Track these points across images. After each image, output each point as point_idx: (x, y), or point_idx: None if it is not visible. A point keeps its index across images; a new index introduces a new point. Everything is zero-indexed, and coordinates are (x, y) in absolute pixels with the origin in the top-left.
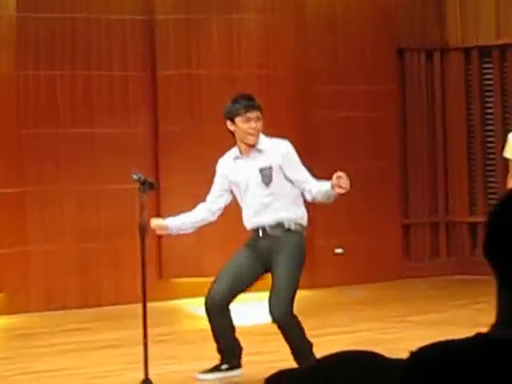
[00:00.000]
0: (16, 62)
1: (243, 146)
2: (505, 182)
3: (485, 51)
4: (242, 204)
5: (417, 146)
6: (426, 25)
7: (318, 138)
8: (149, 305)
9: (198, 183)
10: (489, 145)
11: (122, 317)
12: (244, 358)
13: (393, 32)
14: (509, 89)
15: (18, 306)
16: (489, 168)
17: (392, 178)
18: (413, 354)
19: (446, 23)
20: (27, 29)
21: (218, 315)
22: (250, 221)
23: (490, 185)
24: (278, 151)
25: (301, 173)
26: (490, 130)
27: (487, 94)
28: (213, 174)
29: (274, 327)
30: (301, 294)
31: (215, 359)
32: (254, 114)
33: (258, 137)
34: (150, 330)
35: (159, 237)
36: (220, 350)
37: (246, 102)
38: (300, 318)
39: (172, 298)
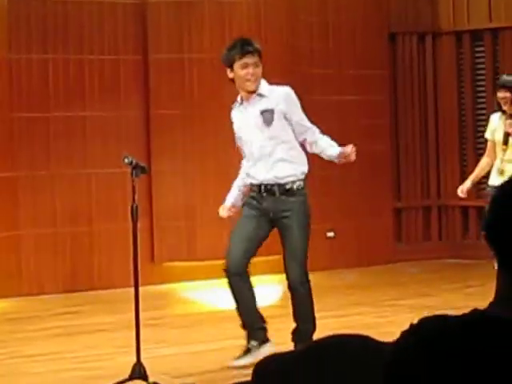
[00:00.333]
0: (8, 46)
1: (244, 93)
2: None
3: (477, 35)
4: (245, 155)
5: (409, 129)
6: (417, 8)
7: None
8: (141, 289)
9: (190, 166)
10: (480, 128)
11: (113, 301)
12: (235, 342)
13: (384, 15)
14: (501, 72)
15: (9, 290)
16: (480, 151)
17: (384, 161)
18: (412, 326)
19: (437, 7)
20: (19, 12)
21: (239, 284)
22: (252, 172)
23: None
24: (280, 95)
25: (302, 119)
26: (482, 114)
27: (479, 77)
28: (203, 157)
29: (270, 311)
30: None
31: (207, 343)
32: (251, 60)
33: (258, 82)
34: (141, 314)
35: (151, 221)
36: (244, 325)
37: (243, 47)
38: (289, 303)
39: (164, 282)
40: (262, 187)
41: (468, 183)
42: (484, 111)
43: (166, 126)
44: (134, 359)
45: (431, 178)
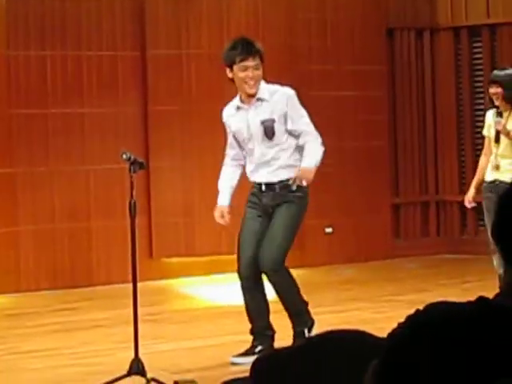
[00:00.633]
0: (6, 43)
1: (243, 95)
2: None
3: (474, 31)
4: (245, 154)
5: (407, 125)
6: (415, 4)
7: None
8: (139, 284)
9: (188, 162)
10: (478, 124)
11: (112, 297)
12: (234, 338)
13: (382, 11)
14: (501, 68)
15: (7, 286)
16: (479, 147)
17: (382, 157)
18: (419, 311)
19: (435, 2)
20: (17, 9)
21: (252, 288)
22: (253, 175)
23: None
24: (281, 99)
25: (298, 124)
26: (480, 110)
27: (477, 73)
28: (202, 153)
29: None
30: None
31: (205, 338)
32: (252, 62)
33: (257, 85)
34: (140, 310)
35: (149, 216)
36: (253, 331)
37: (243, 49)
38: None
39: (162, 278)
40: (263, 186)
41: (472, 191)
42: (482, 107)
43: (164, 122)
44: (133, 355)
45: (429, 173)
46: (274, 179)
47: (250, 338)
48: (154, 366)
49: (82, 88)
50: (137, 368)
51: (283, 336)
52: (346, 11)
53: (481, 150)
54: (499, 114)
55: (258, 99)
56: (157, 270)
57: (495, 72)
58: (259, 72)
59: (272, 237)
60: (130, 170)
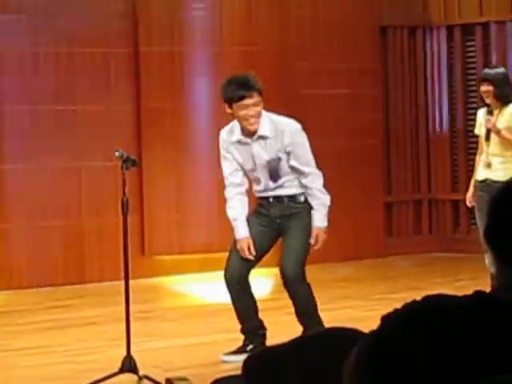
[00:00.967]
0: None
1: (246, 130)
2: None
3: (468, 29)
4: (249, 176)
5: (399, 123)
6: (408, 2)
7: (299, 116)
8: (131, 282)
9: (180, 160)
10: (471, 122)
11: (104, 294)
12: (226, 336)
13: (375, 9)
14: (492, 66)
15: None
16: (471, 146)
17: (374, 155)
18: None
19: (428, 1)
20: (10, 5)
21: (239, 292)
22: (260, 193)
23: (472, 162)
24: (285, 138)
25: (302, 164)
26: (473, 108)
27: (470, 71)
28: (194, 150)
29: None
30: None
31: (198, 336)
32: (251, 101)
33: (258, 121)
34: (132, 307)
35: (142, 214)
36: (244, 331)
37: (241, 88)
38: (281, 296)
39: (155, 275)
40: (271, 198)
41: (471, 190)
42: (475, 105)
43: (157, 120)
44: (125, 352)
45: (422, 171)
46: (283, 193)
47: (243, 336)
48: (146, 363)
49: (75, 85)
50: (129, 365)
51: (274, 334)
52: (339, 9)
53: (473, 148)
54: (490, 113)
55: (260, 137)
56: (149, 267)
57: (486, 70)
58: (259, 108)
59: (291, 251)
60: (122, 167)
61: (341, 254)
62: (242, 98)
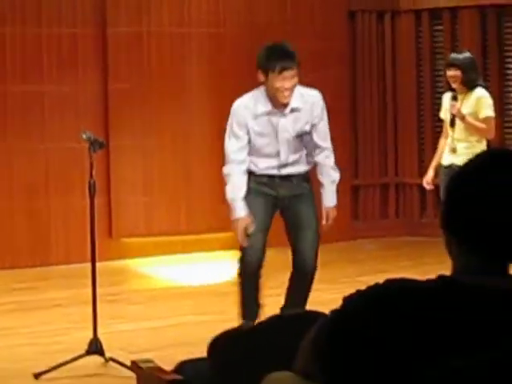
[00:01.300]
0: None
1: (276, 101)
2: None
3: (436, 13)
4: (255, 148)
5: (367, 107)
6: None
7: None
8: (98, 264)
9: (148, 141)
10: (438, 107)
11: (70, 276)
12: (192, 318)
13: None
14: (459, 51)
15: None
16: (438, 130)
17: (341, 138)
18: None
19: None
20: None
21: (255, 278)
22: (267, 170)
23: None
24: (315, 110)
25: (324, 140)
26: (440, 93)
27: (438, 56)
28: (162, 131)
29: (222, 288)
30: None
31: (164, 319)
32: (289, 73)
33: (292, 95)
34: (99, 290)
35: (109, 196)
36: (244, 315)
37: (283, 61)
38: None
39: (122, 258)
40: (277, 178)
41: (431, 173)
42: (442, 90)
43: (125, 101)
44: (91, 335)
45: (389, 155)
46: (293, 171)
47: (210, 318)
48: (113, 345)
49: (42, 66)
50: (95, 347)
51: (234, 317)
52: None
53: (440, 132)
54: (455, 98)
55: (293, 110)
56: (116, 249)
57: (453, 55)
58: (295, 80)
59: (310, 242)
60: (89, 149)
61: None
62: (283, 69)
